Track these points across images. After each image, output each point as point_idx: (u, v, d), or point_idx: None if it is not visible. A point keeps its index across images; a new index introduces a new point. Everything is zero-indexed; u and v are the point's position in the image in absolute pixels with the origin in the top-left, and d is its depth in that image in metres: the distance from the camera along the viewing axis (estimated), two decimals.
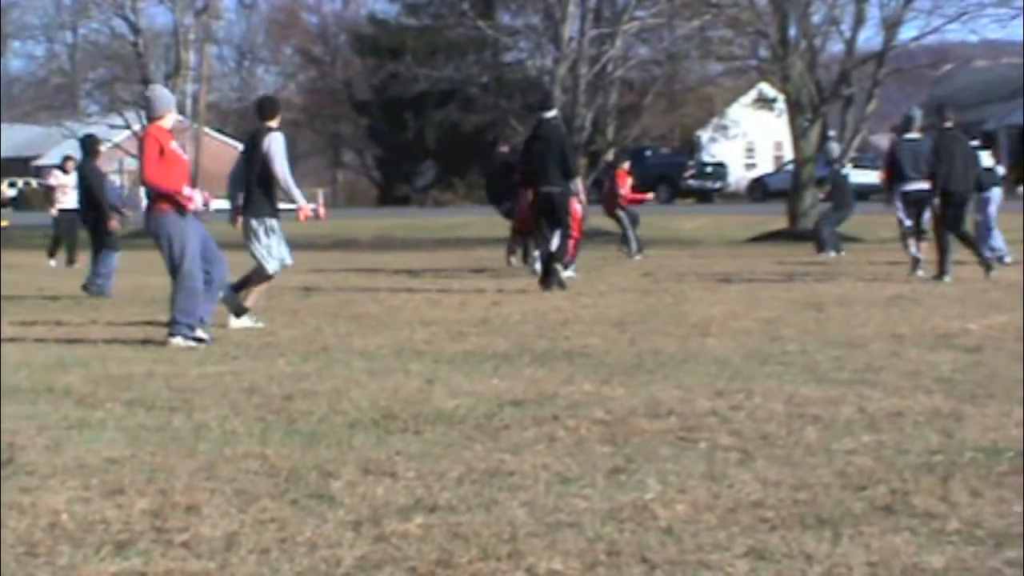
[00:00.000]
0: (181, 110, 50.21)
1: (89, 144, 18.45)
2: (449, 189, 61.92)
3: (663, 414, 7.30)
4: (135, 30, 44.51)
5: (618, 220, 24.54)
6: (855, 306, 13.36)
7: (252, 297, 12.58)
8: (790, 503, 5.32)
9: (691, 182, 58.73)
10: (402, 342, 11.03)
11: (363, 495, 5.60)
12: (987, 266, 16.79)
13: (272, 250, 12.55)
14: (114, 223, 17.77)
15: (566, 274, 16.11)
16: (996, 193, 20.95)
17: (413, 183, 66.66)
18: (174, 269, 11.19)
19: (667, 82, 41.44)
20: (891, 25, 31.50)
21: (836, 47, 33.97)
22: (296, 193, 12.68)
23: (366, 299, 15.50)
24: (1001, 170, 22.49)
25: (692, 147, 65.16)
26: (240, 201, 12.75)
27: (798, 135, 32.22)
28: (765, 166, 69.77)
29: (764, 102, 59.08)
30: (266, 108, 12.84)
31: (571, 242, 17.01)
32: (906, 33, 33.14)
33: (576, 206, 18.09)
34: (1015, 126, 52.59)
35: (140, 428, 7.27)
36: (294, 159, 12.28)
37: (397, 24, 65.11)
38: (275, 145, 12.39)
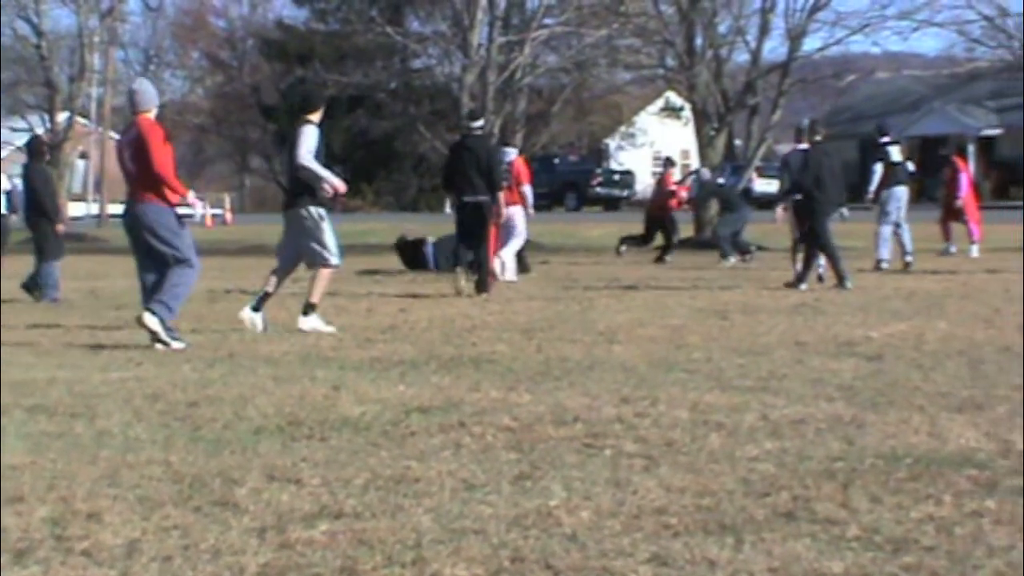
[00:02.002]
0: (86, 114, 49.68)
1: (35, 146, 18.19)
2: (357, 195, 61.72)
3: (569, 421, 7.33)
4: (38, 32, 43.94)
5: (660, 226, 25.19)
6: (759, 314, 13.50)
7: (318, 293, 12.38)
8: (693, 509, 5.37)
9: (599, 190, 59.07)
10: (308, 348, 10.98)
11: (268, 502, 5.57)
12: (797, 282, 17.01)
13: (329, 243, 12.34)
14: (60, 227, 17.52)
15: (483, 295, 16.26)
16: (901, 191, 21.18)
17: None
18: (179, 262, 11.16)
19: (575, 90, 41.65)
20: (796, 36, 31.93)
21: (742, 57, 34.40)
22: (323, 173, 12.31)
23: (272, 305, 15.37)
24: (911, 166, 22.92)
25: (600, 155, 65.54)
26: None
27: (704, 144, 32.51)
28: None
29: (671, 111, 59.60)
30: (307, 101, 12.78)
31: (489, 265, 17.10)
32: (810, 44, 33.75)
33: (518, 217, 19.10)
34: (916, 137, 53.41)
35: (41, 435, 7.18)
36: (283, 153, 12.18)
37: (305, 29, 64.88)
38: (303, 131, 12.28)
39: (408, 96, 42.53)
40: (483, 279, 16.64)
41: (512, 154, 20.44)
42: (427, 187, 58.07)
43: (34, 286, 17.11)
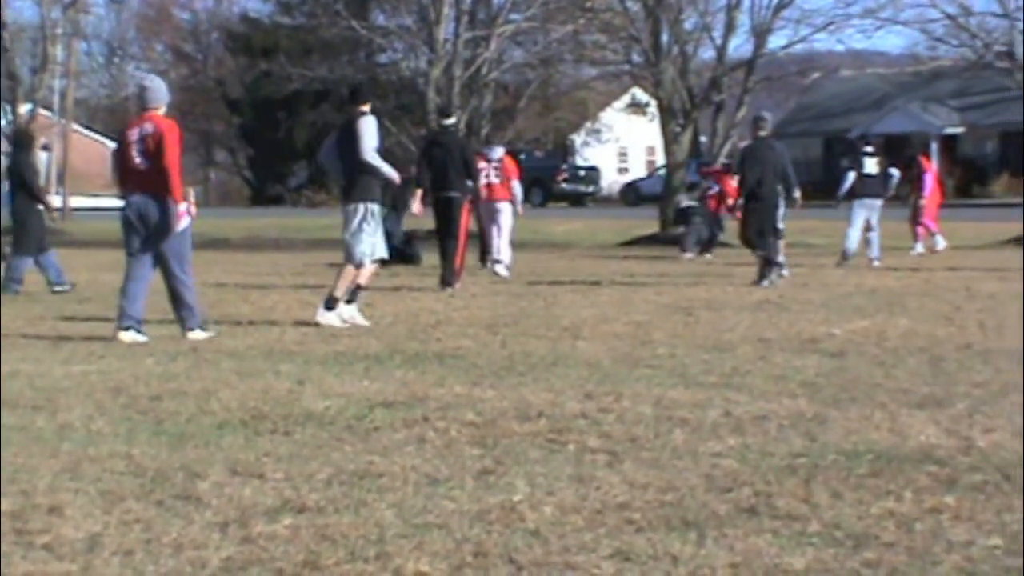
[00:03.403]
0: (48, 106, 49.37)
1: (24, 138, 18.04)
2: (323, 189, 61.56)
3: (533, 416, 7.34)
4: (0, 23, 43.56)
5: (715, 220, 25.46)
6: (724, 310, 13.55)
7: (342, 287, 12.36)
8: (656, 505, 5.39)
9: (564, 186, 59.12)
10: (272, 343, 10.96)
11: (230, 496, 5.56)
12: (762, 276, 17.13)
13: (367, 239, 12.37)
14: (55, 213, 17.40)
15: (448, 290, 16.33)
16: (870, 203, 21.48)
17: (286, 183, 66.18)
18: (179, 262, 11.20)
19: (541, 86, 41.64)
20: (761, 33, 32.00)
21: (707, 54, 34.46)
22: (387, 170, 12.56)
23: (237, 299, 15.37)
24: (895, 172, 23.25)
25: (565, 151, 65.54)
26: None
27: (670, 140, 32.58)
28: (638, 170, 70.43)
29: (637, 107, 59.65)
30: (357, 94, 13.02)
31: (459, 259, 17.15)
32: (775, 42, 33.75)
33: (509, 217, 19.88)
34: (880, 135, 53.66)
35: (2, 428, 7.13)
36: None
37: (270, 23, 64.62)
38: (364, 126, 12.38)
39: (374, 91, 42.36)
40: (449, 273, 16.70)
41: (500, 152, 20.69)
42: None
43: (53, 281, 17.03)
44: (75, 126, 55.05)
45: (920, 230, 24.94)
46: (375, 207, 12.44)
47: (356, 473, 5.97)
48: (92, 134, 67.96)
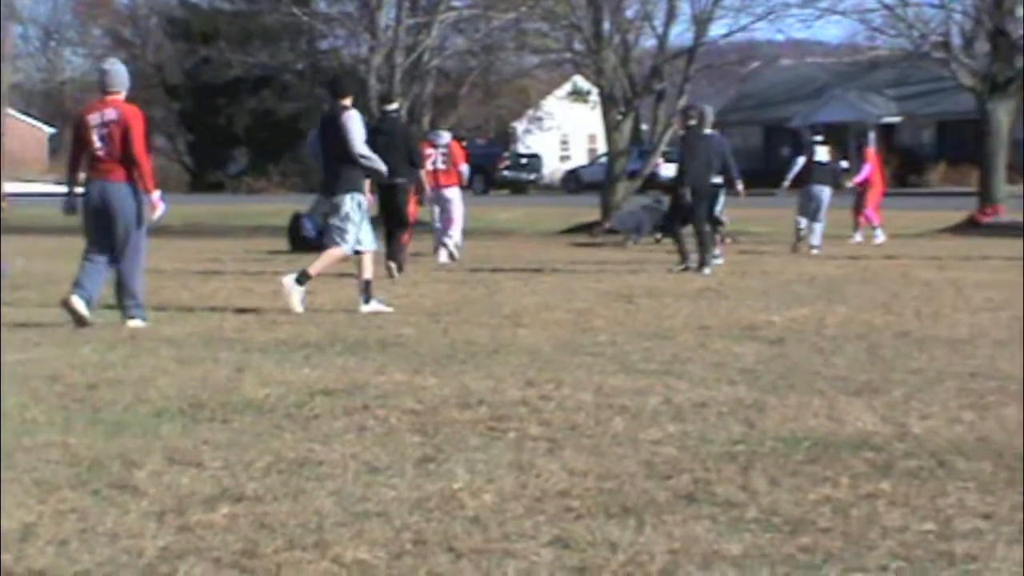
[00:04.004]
0: None
1: None
2: (263, 176, 61.26)
3: (474, 404, 7.33)
4: None
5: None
6: (664, 298, 13.59)
7: (319, 267, 12.47)
8: (596, 492, 5.40)
9: (506, 173, 59.17)
10: (212, 330, 10.89)
11: (168, 485, 5.53)
12: (699, 266, 17.20)
13: (353, 228, 12.41)
14: (4, 203, 17.24)
15: (393, 266, 16.38)
16: (818, 190, 21.81)
17: (226, 169, 65.79)
18: (133, 251, 11.02)
19: (483, 73, 41.61)
20: (702, 22, 32.10)
21: (649, 42, 34.53)
22: (377, 163, 12.70)
23: (176, 286, 15.26)
24: (844, 164, 23.50)
25: (507, 138, 65.59)
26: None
27: (612, 128, 32.62)
28: (579, 158, 70.56)
29: (578, 95, 59.75)
30: (339, 87, 13.06)
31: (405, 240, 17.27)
32: (716, 30, 33.86)
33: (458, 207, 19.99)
34: (819, 124, 54.03)
35: None
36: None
37: (210, 8, 64.16)
38: (351, 122, 12.46)
39: (315, 77, 42.23)
40: (393, 257, 16.73)
41: (446, 137, 20.72)
42: None
43: None
44: (10, 111, 54.44)
45: (861, 219, 25.16)
46: (361, 198, 12.58)
47: (295, 461, 5.94)
48: (28, 119, 67.19)
